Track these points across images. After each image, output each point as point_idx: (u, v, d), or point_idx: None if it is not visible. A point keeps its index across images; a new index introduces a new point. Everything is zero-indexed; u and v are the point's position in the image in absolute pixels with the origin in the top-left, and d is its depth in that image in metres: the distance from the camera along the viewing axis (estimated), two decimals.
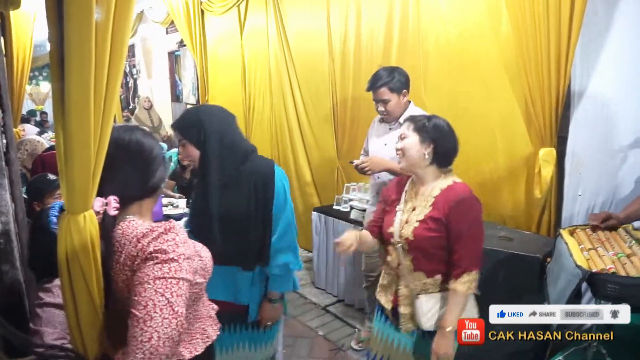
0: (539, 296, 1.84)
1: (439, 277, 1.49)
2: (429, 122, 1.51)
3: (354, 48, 3.23)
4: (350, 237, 1.58)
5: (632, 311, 1.96)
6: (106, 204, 0.95)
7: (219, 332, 1.14)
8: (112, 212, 0.95)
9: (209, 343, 1.10)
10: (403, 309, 1.53)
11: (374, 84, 2.23)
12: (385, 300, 1.62)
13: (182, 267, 0.92)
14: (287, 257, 1.60)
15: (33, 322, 1.38)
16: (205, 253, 1.10)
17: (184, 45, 5.60)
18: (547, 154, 2.13)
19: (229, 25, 4.65)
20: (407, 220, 1.52)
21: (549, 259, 1.85)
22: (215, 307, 1.18)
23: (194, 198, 1.67)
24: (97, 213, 0.94)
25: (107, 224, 0.96)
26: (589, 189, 2.19)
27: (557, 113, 2.09)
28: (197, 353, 1.04)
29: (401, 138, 1.54)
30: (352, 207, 2.99)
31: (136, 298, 0.87)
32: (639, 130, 2.15)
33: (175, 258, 0.91)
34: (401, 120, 2.27)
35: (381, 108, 2.27)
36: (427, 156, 1.50)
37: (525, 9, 2.10)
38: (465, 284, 1.42)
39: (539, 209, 2.20)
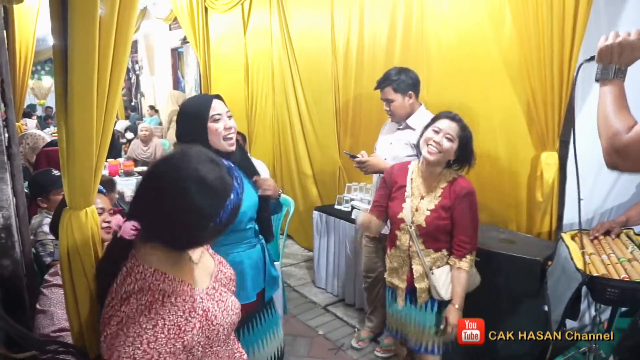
0: (539, 299, 1.84)
1: (444, 250, 1.73)
2: (470, 140, 1.71)
3: (357, 48, 3.23)
4: (365, 219, 1.82)
5: (628, 315, 1.96)
6: (119, 227, 0.84)
7: None
8: (128, 236, 0.84)
9: None
10: (420, 284, 1.73)
11: (381, 83, 2.27)
12: (399, 281, 1.80)
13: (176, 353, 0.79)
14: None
15: (40, 303, 1.38)
16: (222, 318, 0.90)
17: (187, 42, 5.60)
18: (550, 157, 2.12)
19: (233, 23, 4.64)
20: (417, 208, 1.71)
21: (550, 263, 1.85)
22: (244, 356, 1.01)
23: None
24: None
25: (120, 245, 0.86)
26: (591, 193, 2.18)
27: (559, 117, 2.08)
28: None
29: (447, 137, 1.66)
30: (353, 207, 2.99)
31: None
32: None
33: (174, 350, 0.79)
34: (409, 121, 2.27)
35: (386, 107, 2.30)
36: (449, 160, 1.70)
37: (528, 12, 2.09)
38: (468, 262, 1.68)
39: (540, 213, 2.20)
